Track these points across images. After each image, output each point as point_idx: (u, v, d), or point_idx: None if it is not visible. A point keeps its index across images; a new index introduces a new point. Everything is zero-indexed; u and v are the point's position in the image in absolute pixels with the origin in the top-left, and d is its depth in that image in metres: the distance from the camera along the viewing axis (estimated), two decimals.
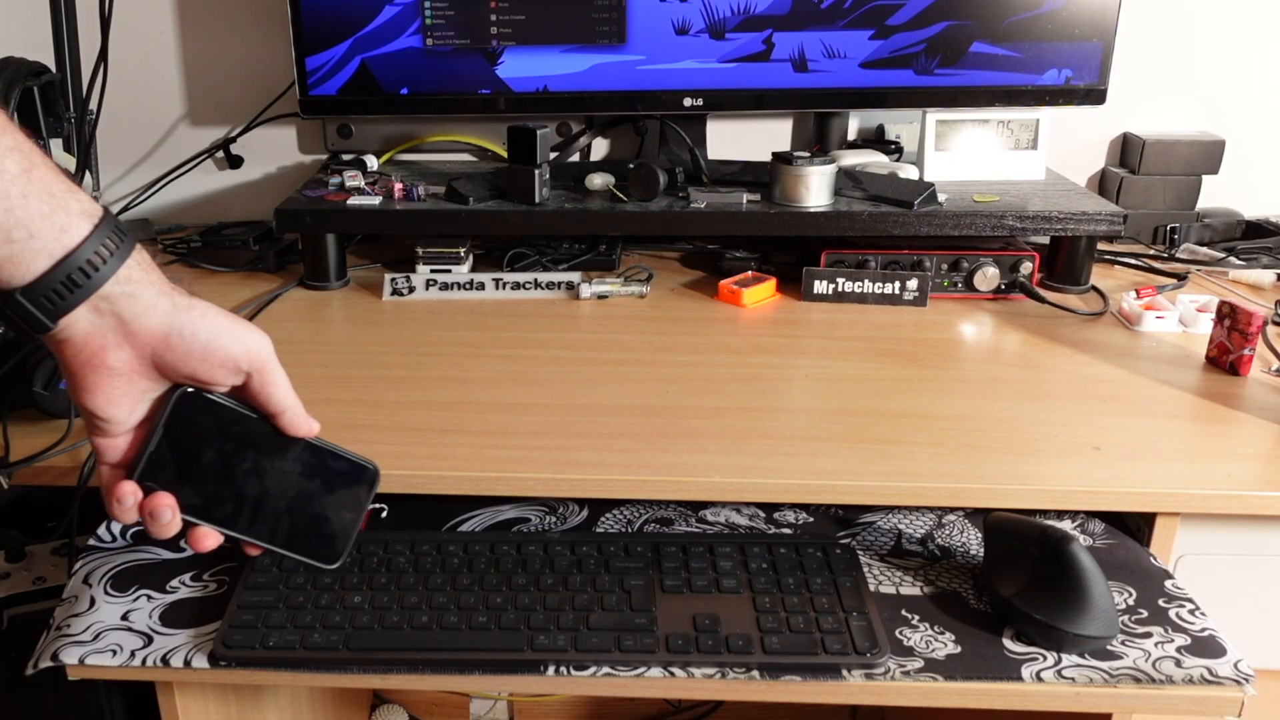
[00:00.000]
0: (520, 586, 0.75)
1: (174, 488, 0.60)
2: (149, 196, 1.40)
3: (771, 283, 1.16)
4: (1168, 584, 0.77)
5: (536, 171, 1.13)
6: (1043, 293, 1.14)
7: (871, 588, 0.77)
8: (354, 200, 1.16)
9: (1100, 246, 1.26)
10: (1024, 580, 0.72)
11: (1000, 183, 1.23)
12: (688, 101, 1.20)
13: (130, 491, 0.60)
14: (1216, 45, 1.32)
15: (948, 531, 0.85)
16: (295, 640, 0.71)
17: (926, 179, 1.22)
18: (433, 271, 1.17)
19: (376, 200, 1.16)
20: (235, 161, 1.41)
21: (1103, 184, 1.38)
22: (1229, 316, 0.96)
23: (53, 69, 1.21)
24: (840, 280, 1.14)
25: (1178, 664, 0.69)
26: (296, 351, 1.01)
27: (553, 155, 1.33)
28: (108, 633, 0.72)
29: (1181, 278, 1.20)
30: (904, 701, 0.69)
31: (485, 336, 1.05)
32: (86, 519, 0.84)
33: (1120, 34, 1.17)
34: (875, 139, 1.37)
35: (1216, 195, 1.35)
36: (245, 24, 1.35)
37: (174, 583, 0.78)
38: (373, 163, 1.31)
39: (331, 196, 1.17)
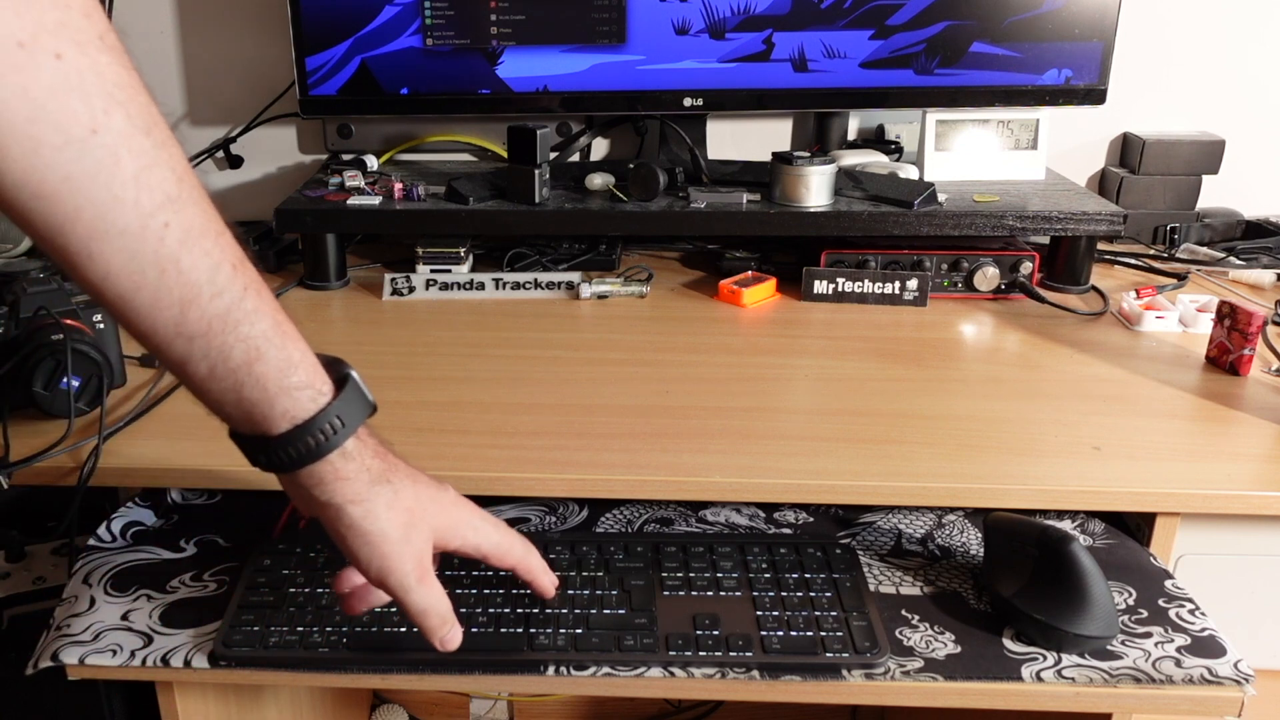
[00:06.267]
0: (520, 586, 0.75)
1: None
2: None
3: (771, 283, 1.16)
4: (1168, 584, 0.77)
5: (536, 171, 1.13)
6: (1043, 293, 1.14)
7: (871, 588, 0.77)
8: (354, 200, 1.16)
9: (1100, 246, 1.26)
10: (1024, 580, 0.72)
11: (1000, 183, 1.23)
12: (688, 101, 1.20)
13: None
14: (1217, 45, 1.32)
15: (948, 531, 0.85)
16: (295, 640, 0.71)
17: (926, 179, 1.22)
18: (433, 271, 1.17)
19: (376, 200, 1.16)
20: (235, 161, 1.41)
21: (1103, 184, 1.38)
22: (1229, 316, 0.96)
23: None
24: (840, 280, 1.14)
25: (1178, 664, 0.69)
26: None
27: (553, 155, 1.33)
28: (108, 633, 0.72)
29: (1181, 278, 1.20)
30: (904, 701, 0.69)
31: (485, 336, 1.05)
32: (86, 519, 0.84)
33: (1120, 34, 1.17)
34: (875, 139, 1.37)
35: (1216, 195, 1.35)
36: (245, 24, 1.35)
37: (174, 583, 0.78)
38: (373, 163, 1.31)
39: (331, 196, 1.17)
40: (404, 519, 0.61)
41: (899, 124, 1.36)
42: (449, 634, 0.65)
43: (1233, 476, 0.78)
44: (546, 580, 0.70)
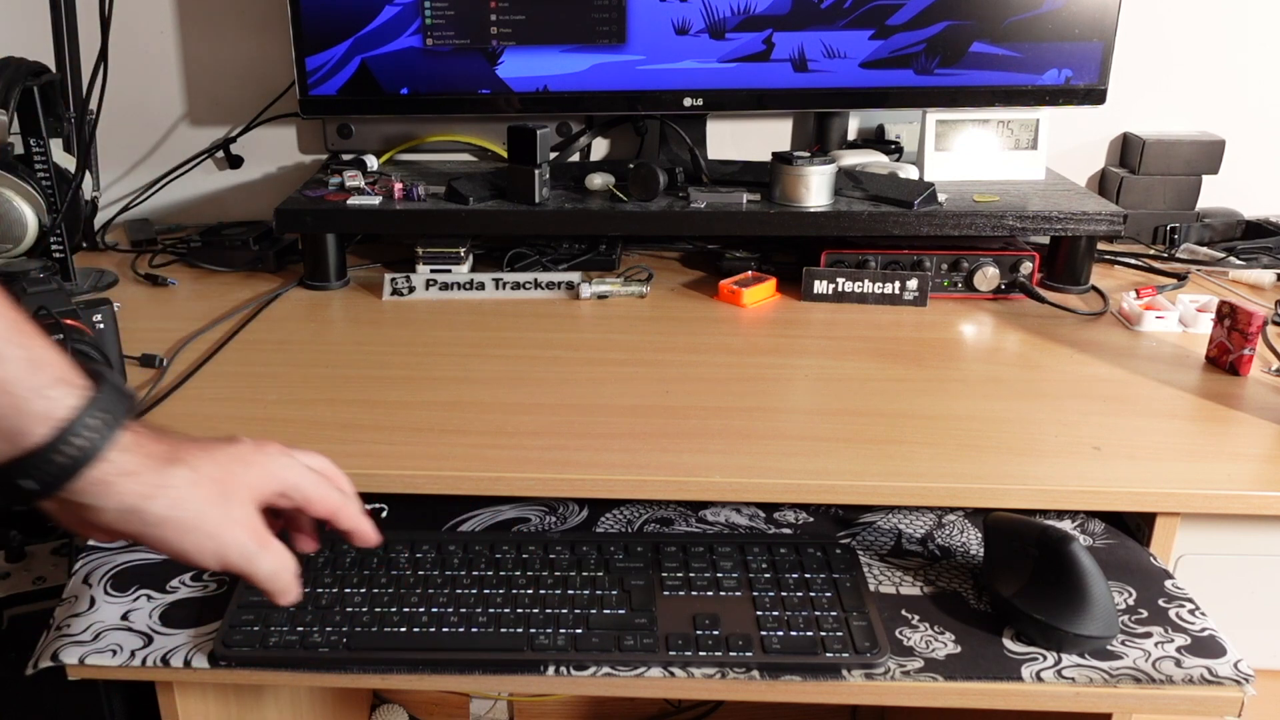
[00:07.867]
0: (520, 586, 0.75)
1: None
2: (149, 196, 1.40)
3: (771, 283, 1.16)
4: (1168, 584, 0.77)
5: (536, 171, 1.13)
6: (1043, 293, 1.14)
7: (871, 588, 0.77)
8: (354, 200, 1.16)
9: (1100, 246, 1.26)
10: (1024, 580, 0.72)
11: (1000, 183, 1.23)
12: (688, 101, 1.20)
13: None
14: (1217, 45, 1.32)
15: (948, 531, 0.85)
16: (295, 640, 0.71)
17: (926, 179, 1.22)
18: (433, 271, 1.17)
19: (376, 200, 1.16)
20: (235, 161, 1.41)
21: (1103, 184, 1.38)
22: (1229, 316, 0.96)
23: (53, 69, 1.21)
24: (840, 280, 1.14)
25: (1178, 664, 0.69)
26: (296, 351, 1.01)
27: (553, 155, 1.33)
28: (108, 633, 0.72)
29: (1181, 278, 1.20)
30: (904, 701, 0.69)
31: (485, 336, 1.05)
32: None
33: (1120, 34, 1.17)
34: (875, 139, 1.37)
35: (1216, 195, 1.35)
36: (245, 24, 1.35)
37: (174, 583, 0.78)
38: (373, 163, 1.31)
39: (331, 196, 1.17)
40: (215, 490, 0.56)
41: (899, 124, 1.36)
42: (297, 588, 0.61)
43: (1233, 476, 0.78)
44: (368, 527, 0.65)
